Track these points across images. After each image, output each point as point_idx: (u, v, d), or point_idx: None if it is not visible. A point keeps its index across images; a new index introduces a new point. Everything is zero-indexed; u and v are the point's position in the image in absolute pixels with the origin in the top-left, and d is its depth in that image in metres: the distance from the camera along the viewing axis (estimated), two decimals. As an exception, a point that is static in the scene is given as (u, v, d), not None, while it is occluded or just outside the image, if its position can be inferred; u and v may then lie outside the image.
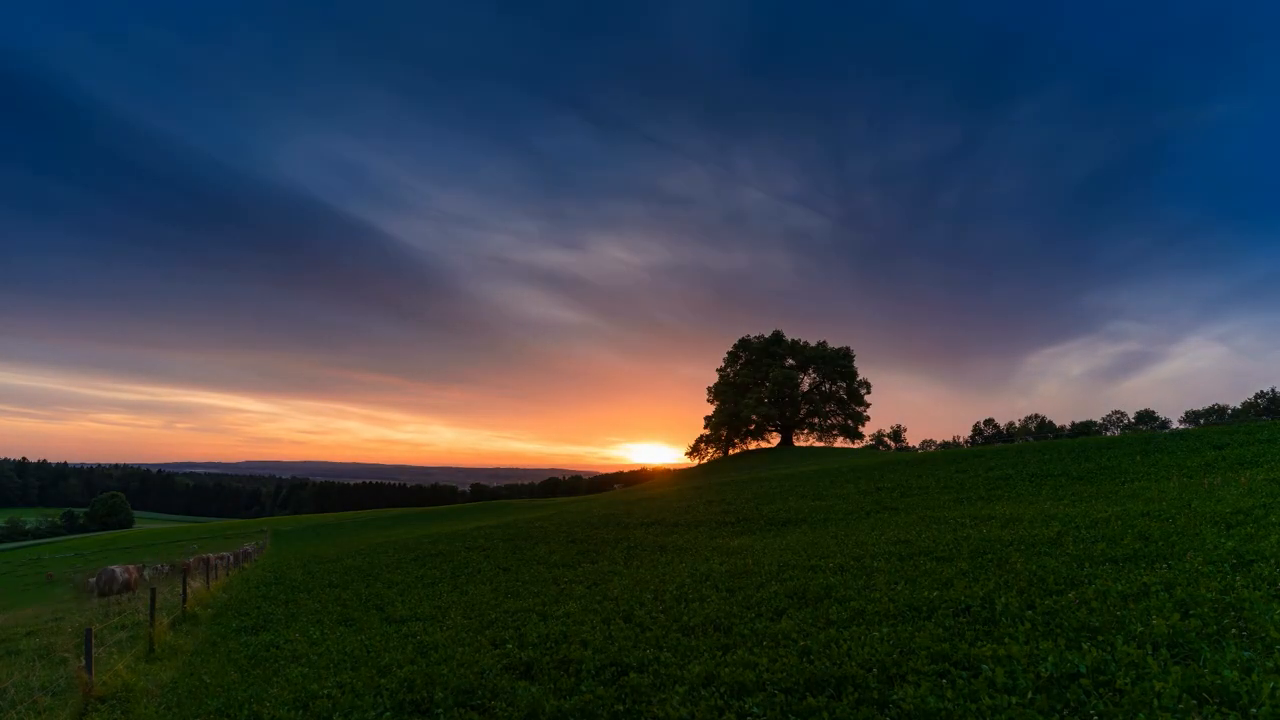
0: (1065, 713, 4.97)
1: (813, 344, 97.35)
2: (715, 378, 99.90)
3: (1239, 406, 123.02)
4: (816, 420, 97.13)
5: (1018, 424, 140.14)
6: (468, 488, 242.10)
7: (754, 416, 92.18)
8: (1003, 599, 7.93)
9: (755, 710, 5.87)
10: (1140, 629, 6.28)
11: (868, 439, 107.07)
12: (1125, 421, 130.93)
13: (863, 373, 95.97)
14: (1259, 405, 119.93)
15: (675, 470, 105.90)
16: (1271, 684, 4.74)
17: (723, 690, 6.45)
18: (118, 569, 27.74)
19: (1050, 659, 5.83)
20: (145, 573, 32.32)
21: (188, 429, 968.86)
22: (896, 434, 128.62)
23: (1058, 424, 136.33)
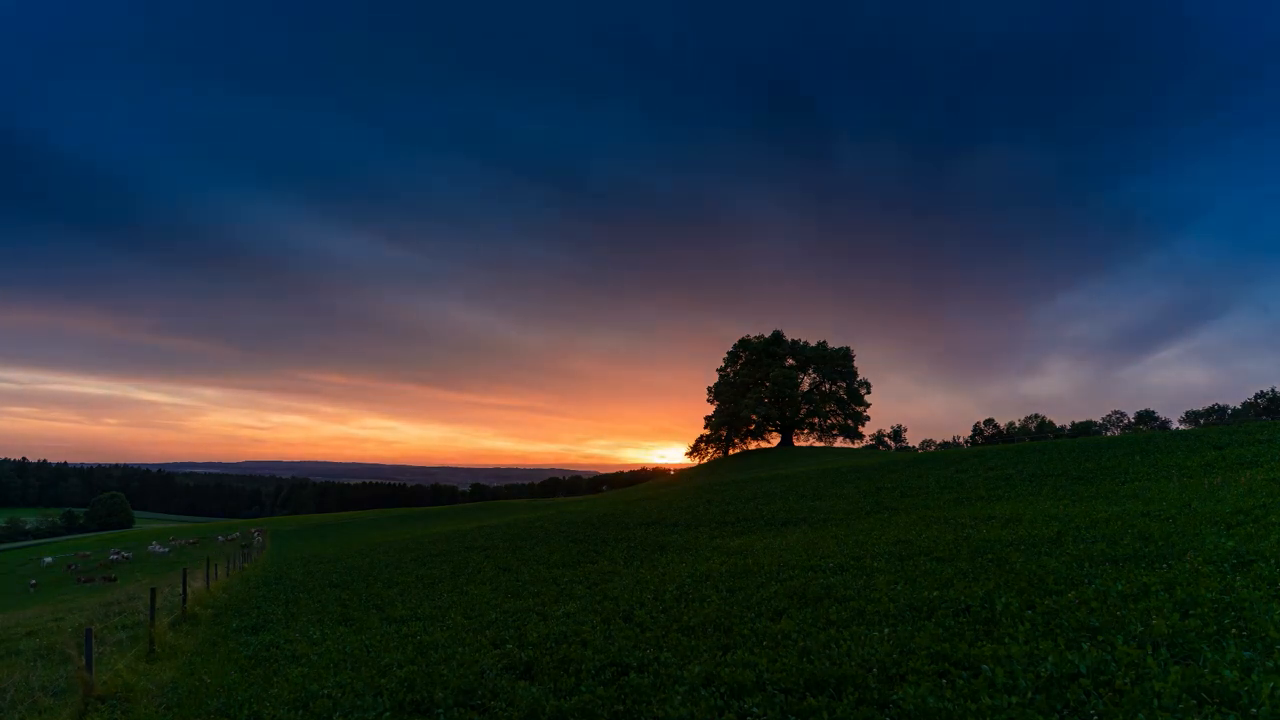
0: (1065, 713, 4.97)
1: (812, 344, 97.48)
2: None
3: (1239, 406, 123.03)
4: (816, 420, 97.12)
5: (1018, 424, 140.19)
6: (468, 487, 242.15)
7: (754, 416, 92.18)
8: (1003, 599, 7.93)
9: (755, 710, 5.87)
10: (1140, 629, 6.28)
11: (868, 439, 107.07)
12: (1125, 421, 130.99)
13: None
14: (1259, 405, 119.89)
15: (675, 470, 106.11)
16: (1271, 684, 4.74)
17: (723, 690, 6.45)
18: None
19: (1050, 659, 5.83)
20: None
21: (120, 425, 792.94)
22: (897, 434, 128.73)
23: (1058, 424, 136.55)
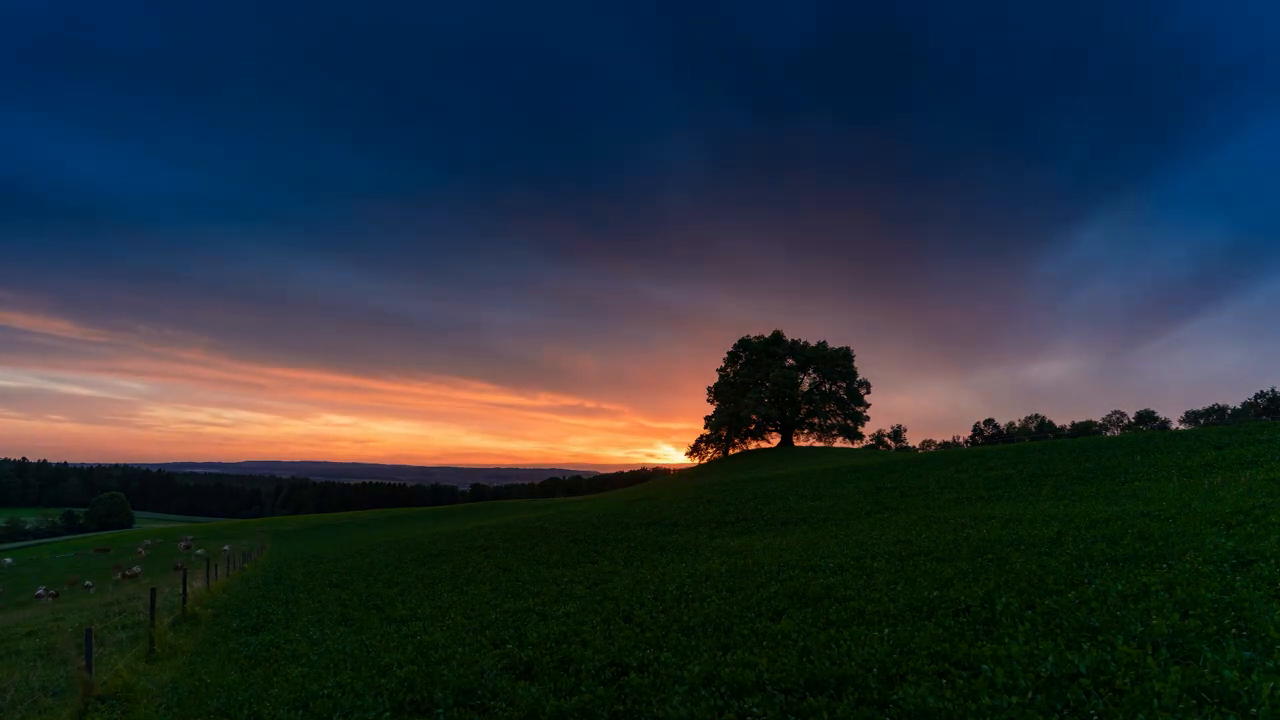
0: (1065, 713, 4.97)
1: (812, 344, 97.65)
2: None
3: (1239, 406, 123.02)
4: (816, 420, 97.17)
5: (1018, 424, 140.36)
6: (468, 488, 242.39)
7: (754, 416, 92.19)
8: (1003, 599, 7.93)
9: (755, 710, 5.87)
10: (1140, 629, 6.28)
11: (868, 439, 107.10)
12: (1125, 421, 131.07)
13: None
14: (1259, 405, 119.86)
15: (676, 470, 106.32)
16: (1271, 684, 4.74)
17: (723, 690, 6.45)
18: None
19: (1050, 659, 5.83)
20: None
21: (65, 420, 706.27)
22: (896, 434, 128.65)
23: (1058, 424, 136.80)
